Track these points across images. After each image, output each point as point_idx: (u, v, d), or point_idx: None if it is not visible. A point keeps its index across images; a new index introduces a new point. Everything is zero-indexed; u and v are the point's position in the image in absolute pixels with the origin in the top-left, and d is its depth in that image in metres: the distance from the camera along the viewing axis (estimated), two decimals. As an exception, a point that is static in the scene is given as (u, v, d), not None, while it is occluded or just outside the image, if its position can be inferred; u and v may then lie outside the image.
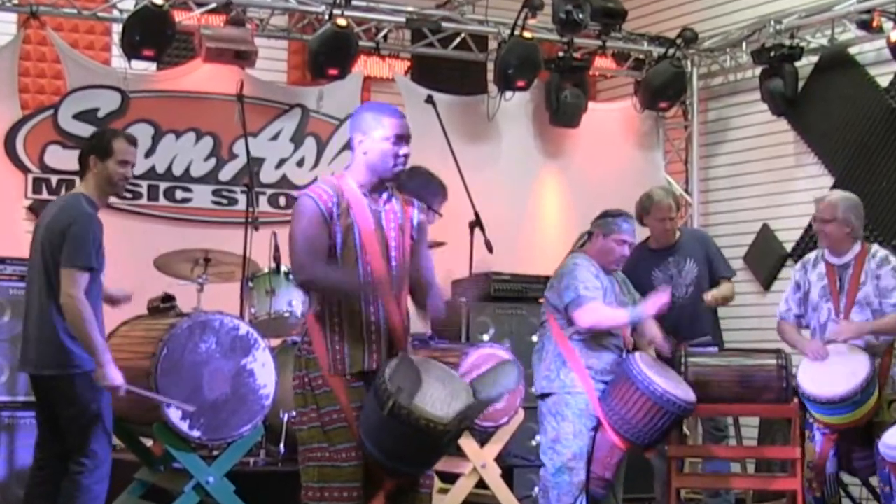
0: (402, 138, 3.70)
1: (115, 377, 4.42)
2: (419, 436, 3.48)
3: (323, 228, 3.64)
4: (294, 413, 3.82)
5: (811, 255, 5.47)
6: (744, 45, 7.99)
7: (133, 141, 4.71)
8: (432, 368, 3.64)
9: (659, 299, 4.99)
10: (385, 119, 3.70)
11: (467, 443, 5.57)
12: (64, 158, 6.84)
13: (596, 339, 5.10)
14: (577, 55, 8.01)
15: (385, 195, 3.76)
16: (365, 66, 7.66)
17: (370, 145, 3.70)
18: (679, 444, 5.75)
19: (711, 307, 6.28)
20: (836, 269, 5.30)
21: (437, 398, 3.50)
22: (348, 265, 3.65)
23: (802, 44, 7.57)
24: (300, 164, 7.57)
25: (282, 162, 7.54)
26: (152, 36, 6.81)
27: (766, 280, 7.84)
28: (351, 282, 3.65)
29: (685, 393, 5.09)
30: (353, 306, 3.65)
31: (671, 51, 8.08)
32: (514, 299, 6.94)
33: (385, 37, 7.74)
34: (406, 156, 3.72)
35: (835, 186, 7.15)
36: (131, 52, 6.87)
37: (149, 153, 7.14)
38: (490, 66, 7.92)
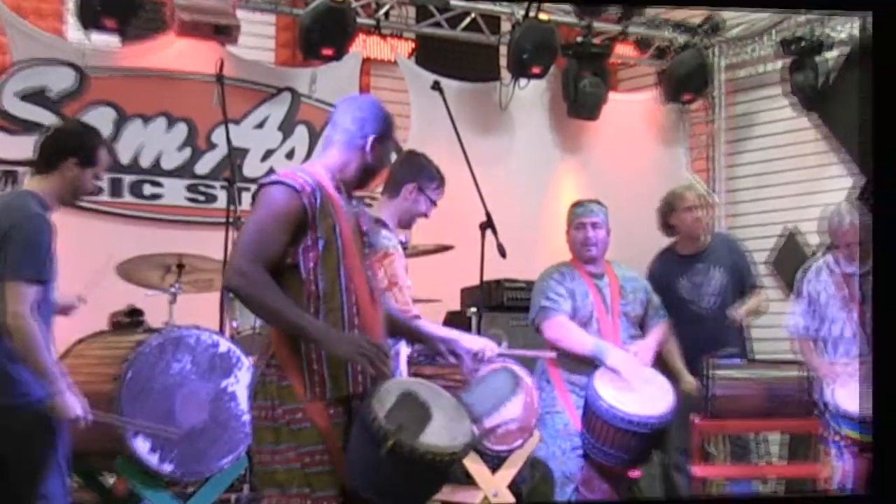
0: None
1: (74, 406, 4.09)
2: (425, 471, 3.35)
3: (288, 228, 3.34)
4: (264, 449, 3.47)
5: (815, 264, 5.58)
6: (773, 33, 7.95)
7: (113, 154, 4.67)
8: (427, 391, 3.47)
9: (628, 363, 5.06)
10: (380, 112, 3.60)
11: (477, 469, 5.47)
12: (7, 146, 6.52)
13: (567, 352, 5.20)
14: (596, 41, 7.95)
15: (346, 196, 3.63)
16: (364, 46, 7.57)
17: (374, 143, 3.55)
18: (704, 463, 5.80)
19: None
20: (854, 279, 5.32)
21: (438, 425, 3.37)
22: (327, 272, 3.37)
23: (833, 33, 7.58)
24: (289, 155, 7.35)
25: (268, 153, 7.32)
26: (115, 4, 6.52)
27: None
28: (316, 327, 3.33)
29: (654, 406, 4.99)
30: (336, 315, 3.39)
31: (695, 39, 8.07)
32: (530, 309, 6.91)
33: (387, 14, 7.60)
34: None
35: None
36: (90, 22, 6.55)
37: (111, 141, 6.75)
38: (503, 49, 7.83)
